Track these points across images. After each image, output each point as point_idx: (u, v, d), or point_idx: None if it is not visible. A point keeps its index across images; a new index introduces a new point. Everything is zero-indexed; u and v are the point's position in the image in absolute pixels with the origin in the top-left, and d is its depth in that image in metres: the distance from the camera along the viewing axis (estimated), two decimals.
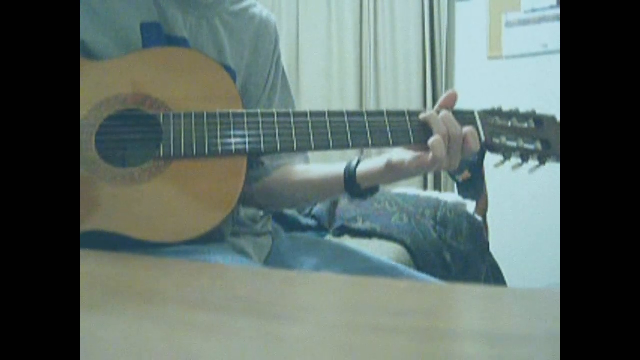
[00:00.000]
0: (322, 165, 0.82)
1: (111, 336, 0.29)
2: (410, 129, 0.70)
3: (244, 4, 0.85)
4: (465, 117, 0.72)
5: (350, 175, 0.75)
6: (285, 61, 0.93)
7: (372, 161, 0.75)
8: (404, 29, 2.96)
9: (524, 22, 2.72)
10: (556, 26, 2.63)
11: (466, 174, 2.18)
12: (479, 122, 0.72)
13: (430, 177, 2.89)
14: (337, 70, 3.14)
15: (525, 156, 0.73)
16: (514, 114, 0.75)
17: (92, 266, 0.47)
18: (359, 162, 0.76)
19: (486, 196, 2.21)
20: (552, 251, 2.37)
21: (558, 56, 2.53)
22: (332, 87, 3.14)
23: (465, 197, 2.17)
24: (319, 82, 3.15)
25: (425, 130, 0.70)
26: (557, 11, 2.64)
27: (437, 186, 2.89)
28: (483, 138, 0.72)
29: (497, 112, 0.75)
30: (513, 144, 0.73)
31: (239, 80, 0.81)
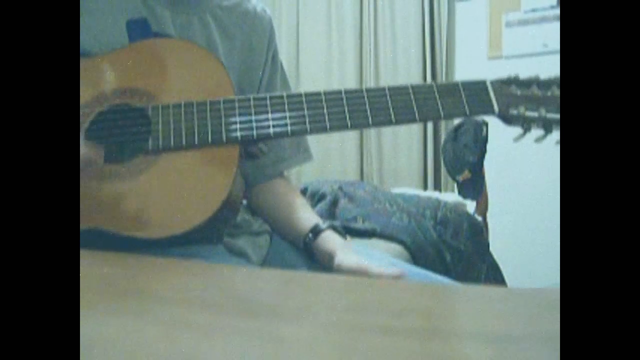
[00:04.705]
0: (302, 207, 0.80)
1: (111, 336, 0.29)
2: (414, 104, 0.66)
3: None
4: (476, 88, 0.67)
5: (307, 244, 0.75)
6: (285, 60, 0.91)
7: (331, 242, 0.72)
8: (404, 28, 2.96)
9: (524, 22, 2.72)
10: (556, 26, 2.63)
11: (466, 174, 2.18)
12: (491, 93, 0.67)
13: (430, 177, 2.90)
14: (337, 70, 3.14)
15: (548, 126, 0.67)
16: (534, 82, 0.69)
17: (92, 266, 0.47)
18: (320, 230, 0.74)
19: (486, 196, 2.21)
20: (552, 251, 2.37)
21: (558, 56, 2.53)
22: (332, 87, 3.14)
23: (465, 197, 2.17)
24: (319, 81, 3.15)
25: (432, 106, 0.65)
26: (557, 11, 2.64)
27: (437, 186, 2.89)
28: (497, 109, 0.67)
29: (514, 81, 0.69)
30: (534, 114, 0.67)
31: (233, 78, 0.80)
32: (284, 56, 3.09)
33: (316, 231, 0.74)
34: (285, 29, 3.22)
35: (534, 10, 2.70)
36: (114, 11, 0.72)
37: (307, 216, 0.78)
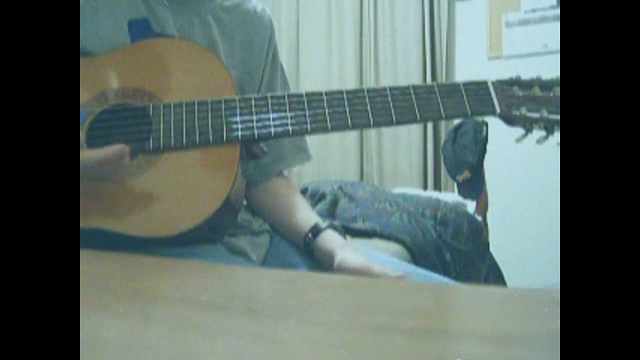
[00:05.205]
0: (302, 207, 0.81)
1: (111, 336, 0.29)
2: (415, 104, 0.65)
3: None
4: (477, 88, 0.67)
5: (307, 243, 0.75)
6: (285, 60, 0.91)
7: (331, 242, 0.73)
8: (404, 28, 2.96)
9: (524, 22, 2.72)
10: (556, 26, 2.63)
11: (466, 174, 2.18)
12: (492, 93, 0.67)
13: (430, 177, 2.90)
14: (337, 70, 3.14)
15: (549, 127, 0.67)
16: (536, 83, 0.69)
17: (92, 266, 0.47)
18: (320, 230, 0.74)
19: (486, 196, 2.21)
20: (552, 251, 2.37)
21: (558, 56, 2.52)
22: (331, 86, 3.14)
23: (465, 197, 2.17)
24: (319, 82, 3.15)
25: (434, 106, 0.65)
26: (557, 11, 2.64)
27: (437, 186, 2.90)
28: (498, 110, 0.67)
29: (516, 82, 0.69)
30: (535, 115, 0.67)
31: (234, 77, 0.80)
32: (284, 56, 3.09)
33: (316, 231, 0.75)
34: (285, 29, 3.22)
35: (534, 10, 2.70)
36: (115, 11, 0.72)
37: (306, 216, 0.78)
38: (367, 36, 3.05)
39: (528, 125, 0.67)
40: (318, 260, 0.75)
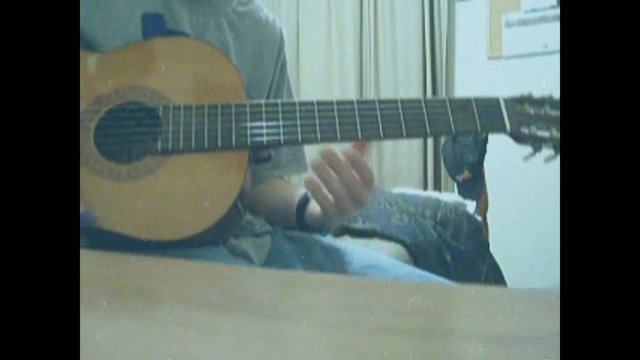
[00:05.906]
0: (293, 188, 0.82)
1: (111, 336, 0.29)
2: (426, 118, 0.65)
3: (250, 6, 0.84)
4: (489, 105, 0.67)
5: (299, 207, 0.75)
6: None
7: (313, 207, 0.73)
8: (404, 29, 2.96)
9: (524, 22, 2.72)
10: (556, 26, 2.64)
11: (466, 174, 2.18)
12: (504, 110, 0.67)
13: (430, 177, 2.90)
14: (337, 71, 3.14)
15: (558, 147, 0.67)
16: (547, 101, 0.69)
17: (92, 266, 0.47)
18: (306, 200, 0.75)
19: (486, 196, 2.21)
20: (552, 251, 2.37)
21: (558, 56, 2.53)
22: (332, 88, 3.14)
23: (465, 197, 2.17)
24: (319, 83, 3.15)
25: (444, 121, 0.65)
26: (557, 11, 2.64)
27: (437, 186, 2.90)
28: (508, 127, 0.67)
29: (527, 99, 0.69)
30: (545, 134, 0.67)
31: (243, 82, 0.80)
32: None
33: (303, 201, 0.76)
34: (286, 29, 3.21)
35: (534, 10, 2.70)
36: (130, 4, 0.72)
37: (295, 193, 0.79)
38: (367, 36, 3.05)
39: (537, 144, 0.67)
40: (314, 230, 0.75)
